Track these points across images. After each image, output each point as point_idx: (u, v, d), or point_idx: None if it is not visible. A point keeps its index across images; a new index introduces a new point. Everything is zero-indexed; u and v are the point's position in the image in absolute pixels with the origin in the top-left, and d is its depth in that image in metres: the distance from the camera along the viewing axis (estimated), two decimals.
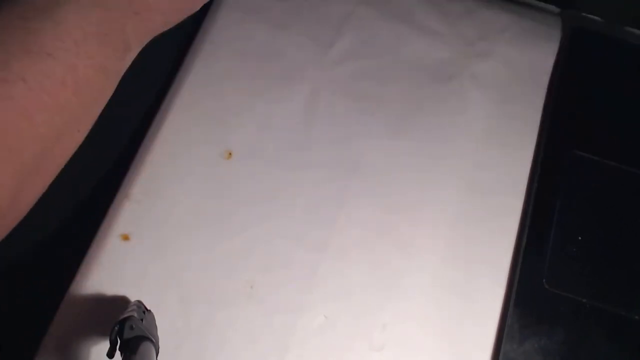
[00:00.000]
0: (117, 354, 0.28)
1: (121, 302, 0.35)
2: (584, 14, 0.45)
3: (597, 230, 0.38)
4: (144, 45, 0.32)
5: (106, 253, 0.36)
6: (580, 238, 0.38)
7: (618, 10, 0.45)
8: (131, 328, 0.28)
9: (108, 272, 0.35)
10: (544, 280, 0.37)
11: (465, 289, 0.37)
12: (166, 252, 0.36)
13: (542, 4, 0.45)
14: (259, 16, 0.42)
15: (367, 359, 0.35)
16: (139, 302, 0.32)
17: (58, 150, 0.29)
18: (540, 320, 0.36)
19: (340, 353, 0.35)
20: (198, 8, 0.36)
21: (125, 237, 0.36)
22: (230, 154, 0.39)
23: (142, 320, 0.29)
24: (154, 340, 0.29)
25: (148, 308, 0.32)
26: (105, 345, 0.28)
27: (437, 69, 0.42)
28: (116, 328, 0.28)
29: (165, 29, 0.34)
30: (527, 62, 0.42)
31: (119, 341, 0.28)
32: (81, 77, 0.28)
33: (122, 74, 0.31)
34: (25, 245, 0.38)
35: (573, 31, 0.43)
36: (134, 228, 0.36)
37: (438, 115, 0.41)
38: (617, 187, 0.39)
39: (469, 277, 0.37)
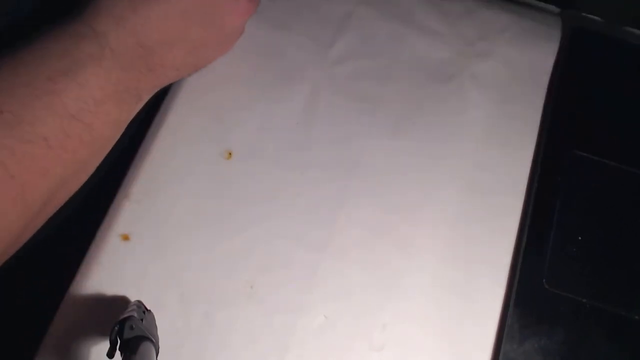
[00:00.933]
0: (117, 354, 0.28)
1: (121, 302, 0.35)
2: (584, 14, 0.45)
3: (597, 230, 0.38)
4: (152, 94, 0.34)
5: (106, 253, 0.36)
6: (580, 238, 0.38)
7: (618, 10, 0.45)
8: (131, 328, 0.28)
9: (108, 272, 0.35)
10: (544, 280, 0.37)
11: (465, 289, 0.37)
12: (166, 252, 0.36)
13: (542, 4, 0.45)
14: (259, 16, 0.42)
15: (367, 359, 0.35)
16: (139, 302, 0.32)
17: (62, 194, 0.30)
18: (540, 320, 0.36)
19: (340, 353, 0.35)
20: (211, 62, 0.37)
21: (125, 237, 0.36)
22: (230, 154, 0.39)
23: (142, 320, 0.29)
24: (154, 340, 0.29)
25: (148, 308, 0.32)
26: (105, 345, 0.28)
27: (437, 69, 0.42)
28: (116, 328, 0.28)
29: (177, 79, 0.35)
30: (527, 62, 0.42)
31: (119, 341, 0.28)
32: (97, 133, 0.29)
33: (130, 119, 0.33)
34: (25, 245, 0.38)
35: (573, 31, 0.43)
36: (134, 228, 0.36)
37: (438, 115, 0.41)
38: (617, 187, 0.39)
39: (469, 277, 0.37)
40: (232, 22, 0.36)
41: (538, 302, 0.36)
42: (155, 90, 0.34)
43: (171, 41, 0.32)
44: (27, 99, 0.27)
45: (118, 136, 0.32)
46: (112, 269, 0.35)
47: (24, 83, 0.27)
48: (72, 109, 0.28)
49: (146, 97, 0.33)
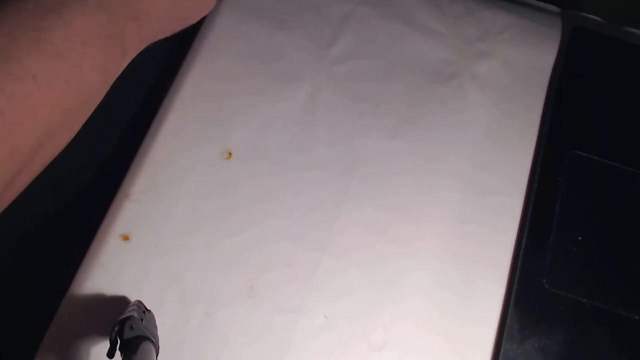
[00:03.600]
0: (117, 354, 0.28)
1: (121, 302, 0.35)
2: (584, 14, 0.45)
3: (597, 230, 0.38)
4: (139, 51, 0.33)
5: (106, 253, 0.36)
6: (580, 238, 0.38)
7: (618, 10, 0.45)
8: (131, 328, 0.28)
9: (108, 272, 0.35)
10: (544, 280, 0.37)
11: (465, 289, 0.37)
12: (166, 252, 0.36)
13: (542, 4, 0.45)
14: (259, 16, 0.42)
15: (367, 359, 0.35)
16: (139, 302, 0.32)
17: (49, 147, 0.29)
18: (540, 320, 0.36)
19: (340, 353, 0.35)
20: (196, 20, 0.37)
21: (125, 237, 0.36)
22: (230, 154, 0.39)
23: (142, 320, 0.29)
24: (154, 340, 0.29)
25: (148, 308, 0.32)
26: (105, 345, 0.28)
27: (437, 69, 0.42)
28: (116, 328, 0.28)
29: (162, 36, 0.35)
30: (527, 62, 0.42)
31: (119, 341, 0.28)
32: (84, 77, 0.29)
33: (116, 77, 0.32)
34: (25, 246, 0.38)
35: (573, 31, 0.43)
36: (134, 228, 0.36)
37: (438, 115, 0.41)
38: (617, 187, 0.39)
39: (469, 276, 0.37)
40: None
41: (538, 302, 0.36)
42: (141, 47, 0.33)
43: None
44: (14, 35, 0.26)
45: (105, 90, 0.32)
46: (112, 269, 0.35)
47: (9, 19, 0.26)
48: (59, 47, 0.27)
49: (132, 53, 0.33)
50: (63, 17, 0.28)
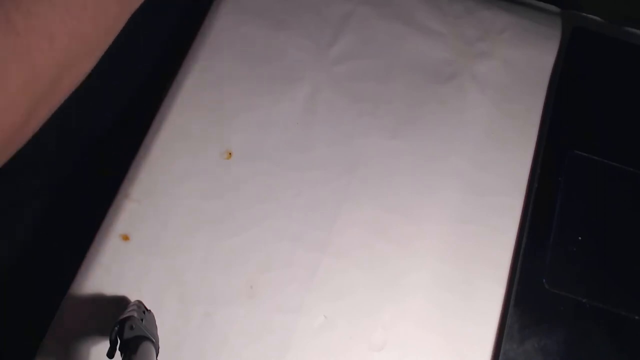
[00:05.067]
0: (117, 354, 0.28)
1: (121, 302, 0.35)
2: (584, 14, 0.45)
3: (597, 230, 0.38)
4: None
5: (106, 253, 0.36)
6: (580, 238, 0.38)
7: (618, 10, 0.45)
8: (131, 328, 0.28)
9: (108, 272, 0.35)
10: (544, 280, 0.37)
11: (465, 289, 0.37)
12: (166, 252, 0.36)
13: (542, 4, 0.45)
14: (259, 16, 0.42)
15: (367, 359, 0.35)
16: (139, 302, 0.32)
17: (68, 78, 0.28)
18: (540, 320, 0.36)
19: (340, 353, 0.35)
20: None
21: (125, 237, 0.36)
22: (230, 154, 0.39)
23: (142, 320, 0.29)
24: (154, 340, 0.29)
25: (148, 308, 0.32)
26: (105, 345, 0.28)
27: (437, 69, 0.42)
28: (116, 328, 0.28)
29: None
30: (527, 62, 0.42)
31: (119, 341, 0.28)
32: (99, 2, 0.28)
33: (134, 10, 0.31)
34: (25, 246, 0.38)
35: (573, 31, 0.43)
36: (134, 228, 0.36)
37: (438, 115, 0.41)
38: (617, 187, 0.39)
39: (469, 276, 0.37)
40: None
41: (538, 302, 0.36)
42: None
43: None
44: None
45: (123, 20, 0.30)
46: (112, 269, 0.35)
47: None
48: None
49: None
50: None
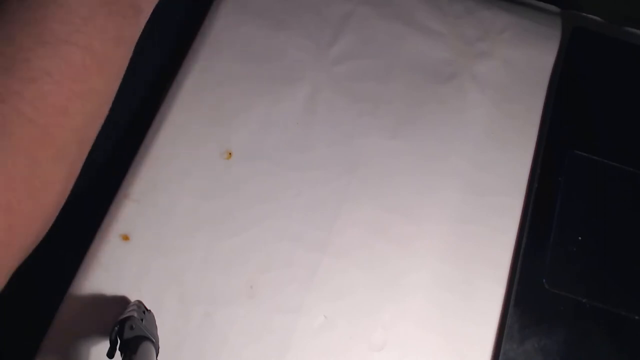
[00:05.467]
0: (117, 354, 0.28)
1: (121, 302, 0.35)
2: (584, 14, 0.45)
3: (597, 230, 0.38)
4: (156, 2, 0.31)
5: (106, 253, 0.36)
6: (580, 238, 0.38)
7: (618, 10, 0.45)
8: (131, 328, 0.28)
9: (108, 272, 0.35)
10: (544, 280, 0.37)
11: (465, 289, 0.37)
12: (166, 252, 0.36)
13: (542, 4, 0.45)
14: (259, 16, 0.42)
15: (367, 359, 0.35)
16: (139, 302, 0.32)
17: (91, 133, 0.28)
18: (540, 320, 0.36)
19: (340, 353, 0.35)
20: None
21: (125, 237, 0.36)
22: (230, 154, 0.39)
23: (142, 320, 0.29)
24: (154, 340, 0.29)
25: (148, 308, 0.32)
26: (105, 345, 0.28)
27: (437, 69, 0.42)
28: (116, 328, 0.28)
29: None
30: (527, 62, 0.42)
31: (119, 341, 0.28)
32: (100, 54, 0.27)
33: (137, 37, 0.30)
34: None
35: (573, 31, 0.43)
36: (134, 228, 0.36)
37: (438, 115, 0.41)
38: (617, 187, 0.39)
39: (469, 276, 0.37)
40: None
41: (538, 302, 0.36)
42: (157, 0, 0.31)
43: None
44: (10, 35, 0.24)
45: (128, 56, 0.30)
46: (112, 269, 0.35)
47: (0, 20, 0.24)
48: (61, 34, 0.25)
49: (147, 8, 0.30)
50: (55, 1, 0.26)
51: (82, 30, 0.26)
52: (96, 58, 0.27)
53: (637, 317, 0.36)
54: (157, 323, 0.32)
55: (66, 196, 0.27)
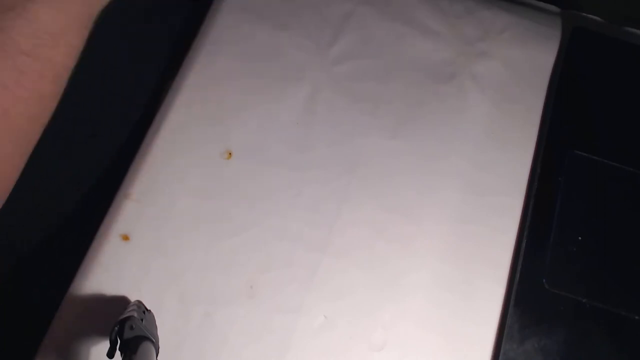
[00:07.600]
0: (117, 354, 0.28)
1: (121, 302, 0.35)
2: (584, 14, 0.45)
3: (597, 231, 0.38)
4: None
5: (106, 253, 0.36)
6: (580, 238, 0.38)
7: (618, 10, 0.45)
8: (131, 328, 0.28)
9: (108, 272, 0.35)
10: (544, 280, 0.37)
11: (465, 289, 0.37)
12: (166, 252, 0.36)
13: (542, 4, 0.45)
14: (259, 16, 0.42)
15: (367, 359, 0.35)
16: (139, 302, 0.32)
17: (33, 136, 0.28)
18: (540, 320, 0.36)
19: (340, 353, 0.35)
20: None
21: (125, 237, 0.36)
22: (230, 153, 0.39)
23: (142, 320, 0.29)
24: (154, 340, 0.29)
25: (148, 308, 0.32)
26: (105, 345, 0.28)
27: (437, 69, 0.42)
28: (116, 328, 0.28)
29: None
30: (527, 62, 0.42)
31: (119, 341, 0.28)
32: (60, 66, 0.28)
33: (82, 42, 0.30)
34: (25, 246, 0.38)
35: (573, 31, 0.43)
36: (134, 228, 0.36)
37: (438, 115, 0.41)
38: (617, 187, 0.39)
39: (469, 276, 0.37)
40: None
41: (538, 302, 0.36)
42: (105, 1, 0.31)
43: None
44: None
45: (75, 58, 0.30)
46: (112, 269, 0.35)
47: None
48: (24, 46, 0.26)
49: (96, 9, 0.31)
50: (24, 15, 0.26)
51: (47, 45, 0.27)
52: (55, 69, 0.28)
53: (637, 317, 0.36)
54: (157, 323, 0.32)
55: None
